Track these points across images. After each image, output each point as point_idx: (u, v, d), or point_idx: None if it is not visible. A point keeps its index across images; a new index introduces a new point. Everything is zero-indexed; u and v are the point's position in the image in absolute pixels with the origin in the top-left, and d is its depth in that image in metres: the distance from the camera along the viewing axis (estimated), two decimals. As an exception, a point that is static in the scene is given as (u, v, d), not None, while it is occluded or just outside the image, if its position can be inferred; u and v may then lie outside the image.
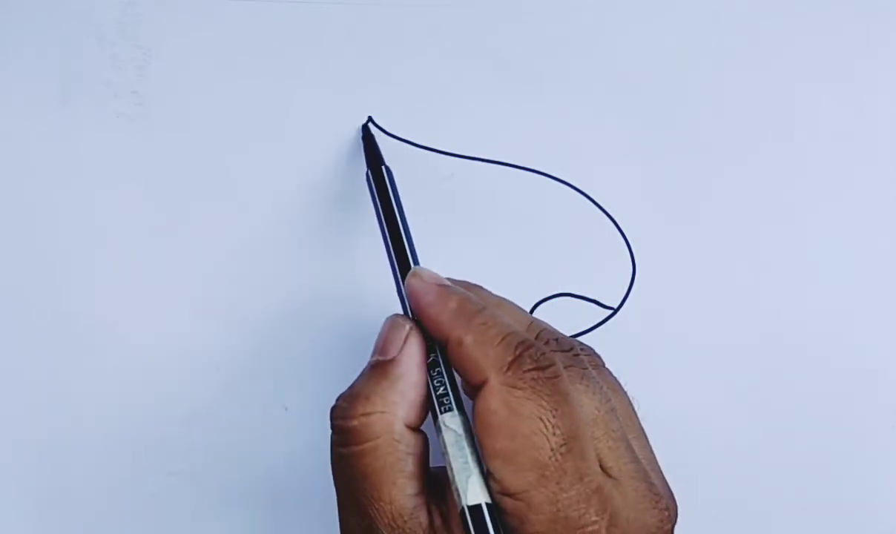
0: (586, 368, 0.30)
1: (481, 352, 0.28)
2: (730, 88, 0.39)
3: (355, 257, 0.39)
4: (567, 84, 0.39)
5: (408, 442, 0.29)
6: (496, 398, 0.28)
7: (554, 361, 0.28)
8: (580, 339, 0.35)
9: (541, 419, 0.27)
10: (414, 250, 0.33)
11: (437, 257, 0.37)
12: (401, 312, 0.33)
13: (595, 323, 0.38)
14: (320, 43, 0.39)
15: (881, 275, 0.39)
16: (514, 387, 0.28)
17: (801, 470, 0.38)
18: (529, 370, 0.28)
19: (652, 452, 0.31)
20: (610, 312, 0.37)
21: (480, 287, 0.34)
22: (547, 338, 0.31)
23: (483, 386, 0.28)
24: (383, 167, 0.35)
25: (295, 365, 0.38)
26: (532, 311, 0.38)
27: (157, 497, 0.38)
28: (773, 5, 0.39)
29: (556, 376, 0.28)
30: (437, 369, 0.30)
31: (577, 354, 0.31)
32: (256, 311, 0.38)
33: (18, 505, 0.38)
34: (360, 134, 0.38)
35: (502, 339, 0.29)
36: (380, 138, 0.38)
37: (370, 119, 0.38)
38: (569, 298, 0.38)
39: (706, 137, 0.39)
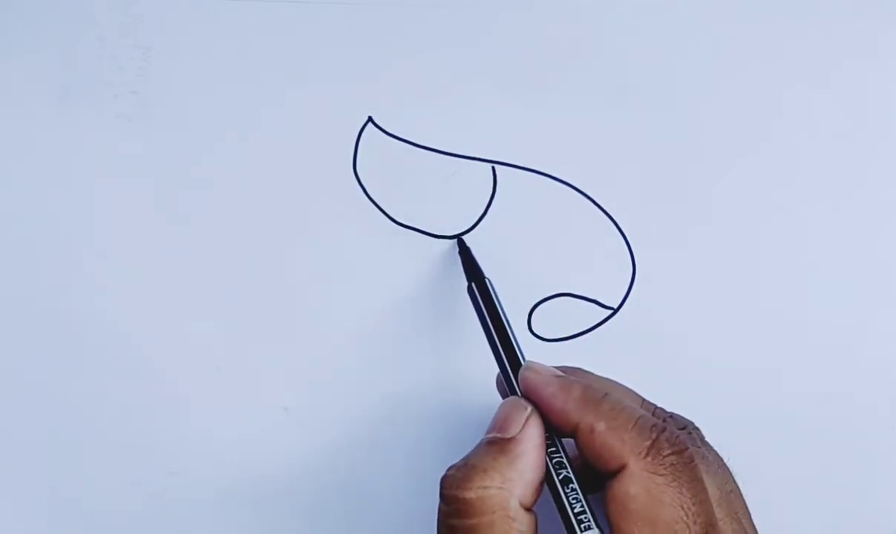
0: (700, 448, 0.31)
1: (616, 437, 0.29)
2: (730, 89, 0.39)
3: (354, 258, 0.39)
4: (567, 84, 0.39)
5: (521, 521, 0.28)
6: (636, 484, 0.28)
7: (687, 444, 0.29)
8: (581, 338, 0.35)
9: (682, 508, 0.28)
10: (520, 347, 0.33)
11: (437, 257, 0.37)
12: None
13: (595, 323, 0.38)
14: (320, 43, 0.39)
15: (880, 275, 0.39)
16: (654, 473, 0.28)
17: (800, 470, 0.38)
18: (668, 455, 0.28)
19: (753, 525, 0.31)
20: (610, 312, 0.37)
21: (581, 370, 0.33)
22: (664, 416, 0.31)
23: (621, 471, 0.28)
24: (487, 280, 0.35)
25: (295, 365, 0.38)
26: (532, 311, 0.38)
27: (157, 497, 0.38)
28: (773, 7, 0.39)
29: (691, 461, 0.28)
30: (563, 475, 0.30)
31: (690, 433, 0.31)
32: (257, 310, 0.38)
33: (19, 505, 0.38)
34: (457, 249, 0.38)
35: (634, 423, 0.29)
36: (380, 138, 0.38)
37: (370, 119, 0.38)
38: (569, 298, 0.38)
39: (706, 137, 0.39)
